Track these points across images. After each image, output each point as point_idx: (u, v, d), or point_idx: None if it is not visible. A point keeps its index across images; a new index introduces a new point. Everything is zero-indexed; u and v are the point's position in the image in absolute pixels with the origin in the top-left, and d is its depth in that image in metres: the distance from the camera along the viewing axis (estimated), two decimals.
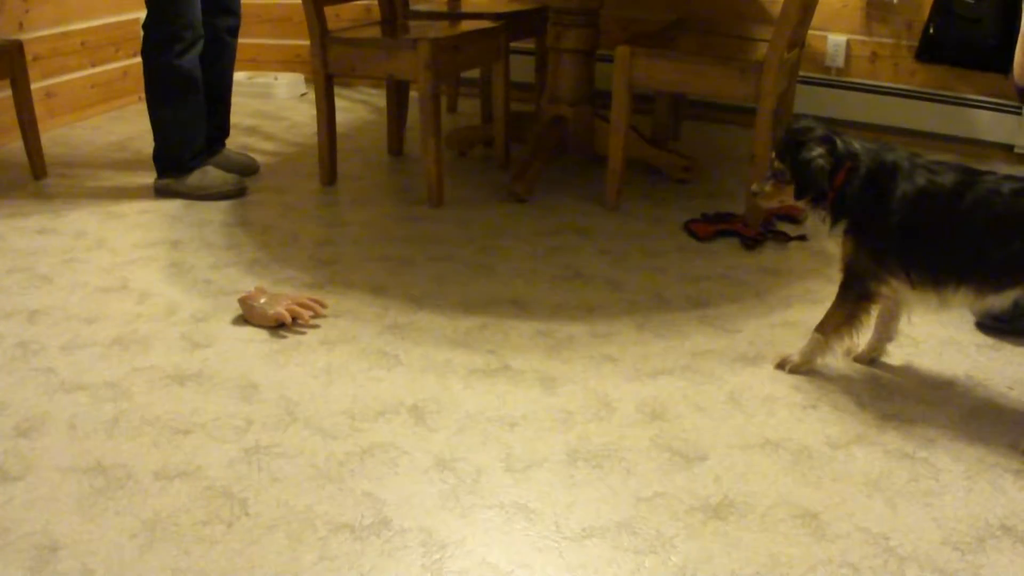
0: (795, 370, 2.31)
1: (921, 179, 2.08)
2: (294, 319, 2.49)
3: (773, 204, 2.32)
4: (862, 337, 2.31)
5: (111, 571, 1.62)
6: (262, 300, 2.50)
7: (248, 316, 2.51)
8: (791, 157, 2.19)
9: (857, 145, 2.17)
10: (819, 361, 2.31)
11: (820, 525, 1.76)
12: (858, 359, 2.37)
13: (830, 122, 2.23)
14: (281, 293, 2.57)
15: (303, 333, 2.46)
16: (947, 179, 2.06)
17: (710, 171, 3.83)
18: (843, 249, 2.22)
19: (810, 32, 3.82)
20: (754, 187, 2.33)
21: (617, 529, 1.75)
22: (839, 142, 2.16)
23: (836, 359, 2.34)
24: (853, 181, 2.14)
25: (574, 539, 1.72)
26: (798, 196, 2.22)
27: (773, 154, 2.27)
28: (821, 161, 2.13)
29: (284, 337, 2.43)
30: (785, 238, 3.14)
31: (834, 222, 2.19)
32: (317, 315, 2.54)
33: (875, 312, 2.26)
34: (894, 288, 2.18)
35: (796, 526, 1.76)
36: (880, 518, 1.78)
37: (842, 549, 1.70)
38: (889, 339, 2.36)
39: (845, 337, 2.27)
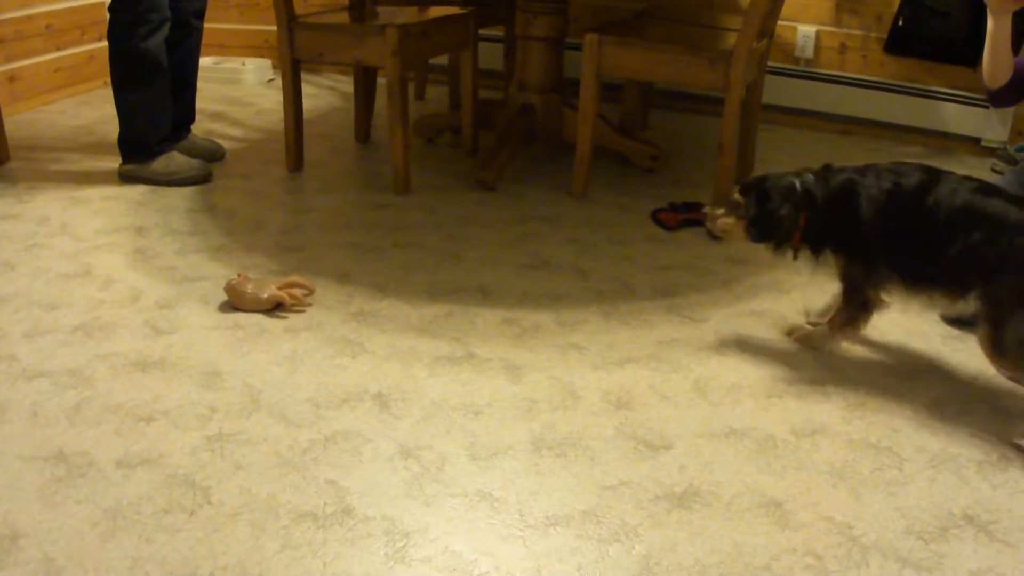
0: (800, 341, 2.41)
1: (874, 189, 2.14)
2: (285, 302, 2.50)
3: (717, 230, 2.37)
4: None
5: (72, 560, 1.60)
6: (249, 287, 2.48)
7: (238, 303, 2.49)
8: (756, 200, 2.25)
9: (810, 180, 2.22)
10: (823, 348, 2.38)
11: (784, 514, 1.77)
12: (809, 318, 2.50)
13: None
14: (264, 279, 2.54)
15: (285, 318, 2.44)
16: (909, 181, 2.11)
17: (678, 160, 3.83)
18: (837, 267, 2.27)
19: (779, 22, 3.83)
20: (707, 209, 2.42)
21: (581, 518, 1.75)
22: (798, 186, 2.21)
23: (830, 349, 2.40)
24: (814, 217, 2.21)
25: (538, 527, 1.72)
26: (755, 239, 2.29)
27: (736, 189, 2.33)
28: (786, 217, 2.21)
29: (248, 325, 2.41)
30: None
31: (818, 253, 2.26)
32: (310, 293, 2.57)
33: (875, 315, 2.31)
34: (892, 293, 2.23)
35: (760, 515, 1.77)
36: (844, 507, 1.79)
37: (806, 538, 1.71)
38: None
39: (848, 336, 2.36)
